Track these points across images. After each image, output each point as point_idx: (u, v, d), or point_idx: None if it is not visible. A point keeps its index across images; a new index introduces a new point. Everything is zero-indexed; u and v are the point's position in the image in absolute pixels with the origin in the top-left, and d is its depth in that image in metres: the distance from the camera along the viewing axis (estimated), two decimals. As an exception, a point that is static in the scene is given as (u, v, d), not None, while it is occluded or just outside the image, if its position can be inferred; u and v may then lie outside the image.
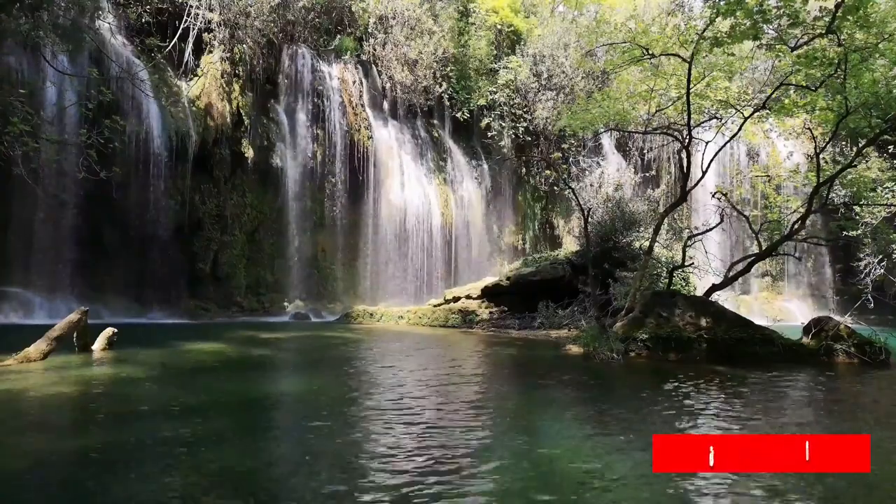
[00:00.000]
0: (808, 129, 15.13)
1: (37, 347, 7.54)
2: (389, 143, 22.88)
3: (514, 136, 25.32)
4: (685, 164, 12.69)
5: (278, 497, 3.34)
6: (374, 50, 23.16)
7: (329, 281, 21.47)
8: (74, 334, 8.25)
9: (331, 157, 21.40)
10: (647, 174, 25.02)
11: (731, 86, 14.04)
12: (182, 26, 18.56)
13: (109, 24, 17.33)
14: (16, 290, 15.06)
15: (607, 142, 27.23)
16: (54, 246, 15.97)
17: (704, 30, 10.54)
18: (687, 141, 12.09)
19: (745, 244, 24.73)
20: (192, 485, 3.44)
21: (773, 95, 11.64)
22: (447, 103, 24.67)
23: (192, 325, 15.75)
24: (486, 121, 25.07)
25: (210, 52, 19.39)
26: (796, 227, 11.96)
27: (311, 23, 22.03)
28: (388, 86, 23.42)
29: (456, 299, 17.54)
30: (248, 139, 19.84)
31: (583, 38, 23.33)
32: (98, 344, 8.66)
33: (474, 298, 17.22)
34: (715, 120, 13.27)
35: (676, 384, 7.04)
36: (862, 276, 20.25)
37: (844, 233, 16.75)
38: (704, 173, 12.66)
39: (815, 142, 13.75)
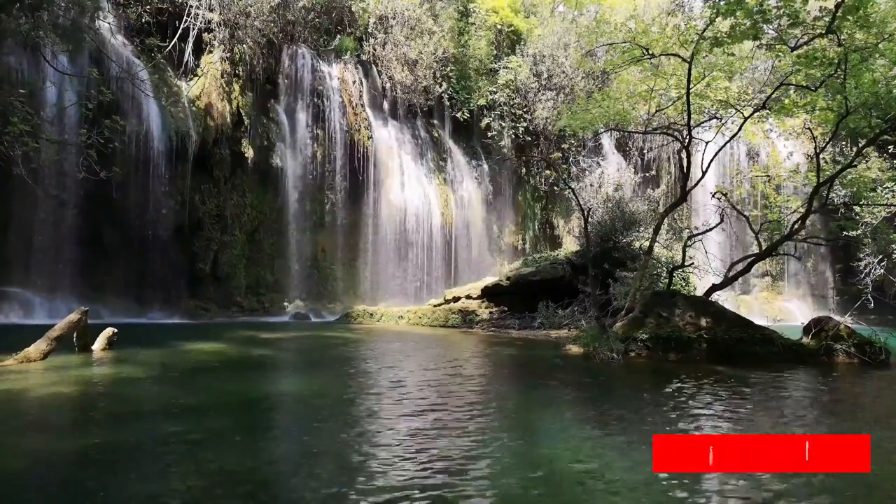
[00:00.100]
0: (808, 129, 15.14)
1: (37, 347, 7.54)
2: (389, 143, 22.88)
3: (514, 136, 25.33)
4: (685, 164, 12.69)
5: (278, 497, 3.34)
6: (374, 50, 23.16)
7: (329, 281, 21.48)
8: (74, 334, 8.25)
9: (331, 157, 21.40)
10: (647, 174, 25.05)
11: (731, 86, 14.04)
12: (182, 26, 18.56)
13: (109, 24, 17.34)
14: (16, 290, 15.06)
15: (607, 142, 27.23)
16: (54, 246, 15.97)
17: (704, 30, 10.55)
18: (687, 141, 12.09)
19: (745, 244, 24.73)
20: (192, 485, 3.44)
21: (773, 95, 11.64)
22: (447, 103, 24.68)
23: (192, 325, 15.75)
24: (486, 121, 25.07)
25: (210, 52, 19.39)
26: (796, 227, 11.96)
27: (311, 23, 22.03)
28: (388, 86, 23.42)
29: (456, 299, 17.54)
30: (248, 139, 19.84)
31: (583, 38, 23.35)
32: (98, 344, 8.67)
33: (474, 298, 17.22)
34: (715, 120, 13.27)
35: (676, 384, 7.03)
36: (862, 276, 20.25)
37: (844, 233, 16.76)
38: (704, 173, 12.66)
39: (815, 142, 13.75)
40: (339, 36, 22.83)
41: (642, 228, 16.87)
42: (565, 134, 23.92)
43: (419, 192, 22.93)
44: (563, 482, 3.57)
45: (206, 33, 19.22)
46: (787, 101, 11.78)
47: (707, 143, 12.72)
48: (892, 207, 15.52)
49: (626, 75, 14.59)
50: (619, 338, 9.52)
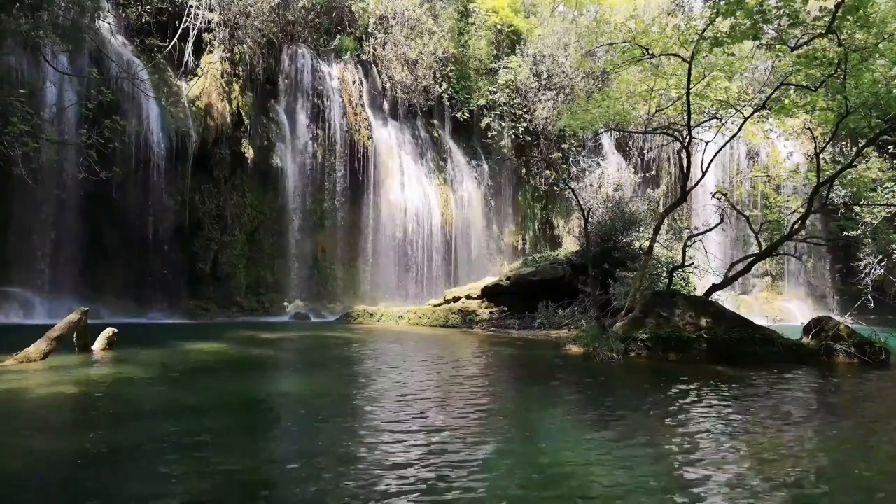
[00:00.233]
0: (808, 129, 15.14)
1: (37, 347, 7.54)
2: (389, 143, 22.88)
3: (514, 136, 25.33)
4: (685, 164, 12.68)
5: (278, 497, 3.34)
6: (374, 50, 23.16)
7: (329, 281, 21.47)
8: (74, 334, 8.25)
9: (331, 157, 21.40)
10: (647, 174, 25.04)
11: (731, 86, 14.04)
12: (182, 26, 18.56)
13: (109, 24, 17.34)
14: (16, 290, 15.06)
15: (607, 142, 27.23)
16: (54, 246, 15.97)
17: (704, 30, 10.54)
18: (687, 141, 12.09)
19: (745, 244, 24.73)
20: (191, 485, 3.44)
21: (773, 95, 11.64)
22: (447, 103, 24.68)
23: (192, 325, 15.75)
24: (486, 121, 25.07)
25: (210, 52, 19.39)
26: (796, 227, 11.96)
27: (311, 23, 22.03)
28: (388, 86, 23.42)
29: (456, 299, 17.54)
30: (248, 139, 19.84)
31: (583, 38, 23.35)
32: (98, 344, 8.67)
33: (474, 298, 17.22)
34: (715, 120, 13.26)
35: (676, 384, 7.04)
36: (862, 276, 20.25)
37: (844, 233, 16.77)
38: (704, 173, 12.66)
39: (815, 142, 13.75)
40: (339, 36, 22.83)
41: (642, 228, 16.87)
42: (565, 134, 23.92)
43: (419, 192, 22.93)
44: (563, 483, 3.57)
45: (206, 33, 19.21)
46: (787, 101, 11.78)
47: (707, 143, 12.72)
48: (892, 207, 15.51)
49: (626, 75, 14.59)
50: (619, 338, 9.51)
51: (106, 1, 17.00)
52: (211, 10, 19.18)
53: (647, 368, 8.77)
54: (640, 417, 5.46)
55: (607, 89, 18.26)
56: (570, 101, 23.82)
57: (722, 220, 13.27)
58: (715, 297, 11.62)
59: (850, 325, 10.11)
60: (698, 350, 9.33)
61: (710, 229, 13.24)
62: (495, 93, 24.95)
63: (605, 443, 4.48)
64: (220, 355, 9.29)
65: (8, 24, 12.41)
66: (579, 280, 15.22)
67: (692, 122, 11.75)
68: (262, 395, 6.28)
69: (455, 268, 23.33)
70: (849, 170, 12.60)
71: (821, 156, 12.22)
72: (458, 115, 24.60)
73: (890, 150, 18.77)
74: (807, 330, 10.07)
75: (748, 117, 12.23)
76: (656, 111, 14.21)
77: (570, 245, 23.47)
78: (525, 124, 25.18)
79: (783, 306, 26.22)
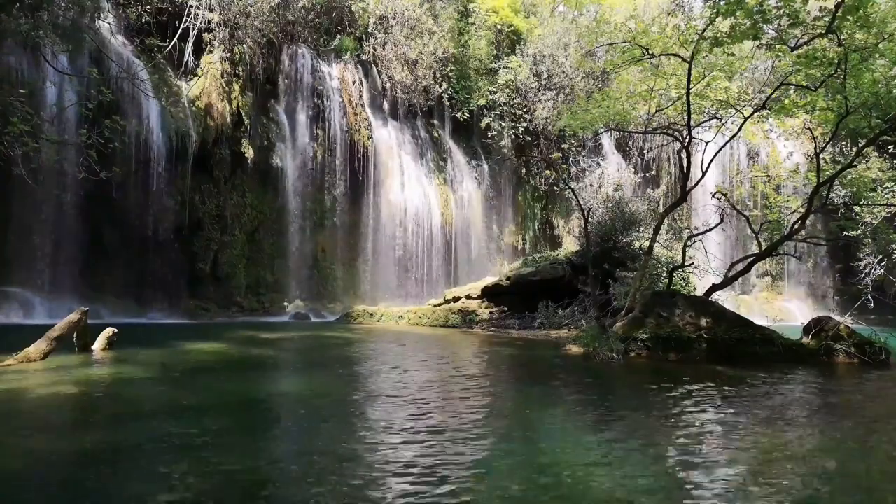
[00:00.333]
0: (808, 129, 15.14)
1: (37, 347, 7.53)
2: (389, 143, 22.89)
3: (514, 136, 25.33)
4: (685, 164, 12.68)
5: (278, 497, 3.34)
6: (374, 50, 23.16)
7: (329, 281, 21.47)
8: (74, 334, 8.24)
9: (331, 157, 21.40)
10: (647, 174, 25.05)
11: (731, 86, 14.04)
12: (182, 26, 18.56)
13: (109, 24, 17.35)
14: (16, 290, 15.06)
15: (607, 142, 27.23)
16: (54, 246, 15.97)
17: (704, 30, 10.54)
18: (687, 141, 12.09)
19: (745, 244, 24.73)
20: (191, 484, 3.43)
21: (773, 95, 11.64)
22: (447, 103, 24.68)
23: (192, 325, 15.75)
24: (486, 121, 25.07)
25: (210, 52, 19.39)
26: (796, 227, 11.96)
27: (311, 23, 22.03)
28: (388, 86, 23.42)
29: (456, 299, 17.54)
30: (248, 139, 19.85)
31: (583, 38, 23.35)
32: (98, 344, 8.66)
33: (474, 298, 17.22)
34: (715, 120, 13.26)
35: (676, 384, 7.03)
36: (862, 276, 20.26)
37: (844, 233, 16.76)
38: (704, 173, 12.65)
39: (815, 142, 13.75)
40: (339, 36, 22.84)
41: (642, 228, 16.87)
42: (565, 134, 23.92)
43: (419, 192, 22.93)
44: (563, 483, 3.57)
45: (206, 33, 19.22)
46: (787, 101, 11.77)
47: (707, 143, 12.71)
48: (892, 207, 15.51)
49: (626, 75, 14.59)
50: (619, 338, 9.51)
51: (106, 1, 17.00)
52: (211, 10, 19.18)
53: (647, 368, 8.76)
54: (640, 417, 5.46)
55: (607, 89, 18.26)
56: (570, 101, 23.82)
57: (722, 220, 13.26)
58: (715, 297, 11.62)
59: (850, 325, 10.11)
60: (698, 350, 9.32)
61: (710, 229, 13.23)
62: (495, 93, 24.95)
63: (606, 443, 4.48)
64: (220, 355, 9.29)
65: (8, 24, 12.41)
66: (579, 280, 15.22)
67: (692, 122, 11.75)
68: (262, 395, 6.28)
69: (455, 268, 23.33)
70: (849, 170, 12.60)
71: (821, 156, 12.22)
72: (458, 115, 24.60)
73: (890, 150, 18.77)
74: (807, 330, 10.06)
75: (748, 117, 12.22)
76: (656, 111, 14.21)
77: (570, 245, 23.47)
78: (525, 124, 25.18)
79: (783, 306, 26.23)
